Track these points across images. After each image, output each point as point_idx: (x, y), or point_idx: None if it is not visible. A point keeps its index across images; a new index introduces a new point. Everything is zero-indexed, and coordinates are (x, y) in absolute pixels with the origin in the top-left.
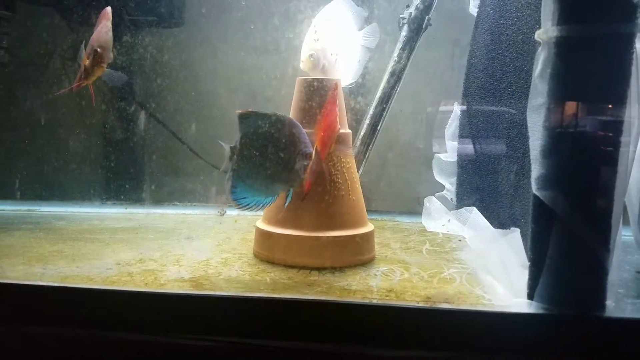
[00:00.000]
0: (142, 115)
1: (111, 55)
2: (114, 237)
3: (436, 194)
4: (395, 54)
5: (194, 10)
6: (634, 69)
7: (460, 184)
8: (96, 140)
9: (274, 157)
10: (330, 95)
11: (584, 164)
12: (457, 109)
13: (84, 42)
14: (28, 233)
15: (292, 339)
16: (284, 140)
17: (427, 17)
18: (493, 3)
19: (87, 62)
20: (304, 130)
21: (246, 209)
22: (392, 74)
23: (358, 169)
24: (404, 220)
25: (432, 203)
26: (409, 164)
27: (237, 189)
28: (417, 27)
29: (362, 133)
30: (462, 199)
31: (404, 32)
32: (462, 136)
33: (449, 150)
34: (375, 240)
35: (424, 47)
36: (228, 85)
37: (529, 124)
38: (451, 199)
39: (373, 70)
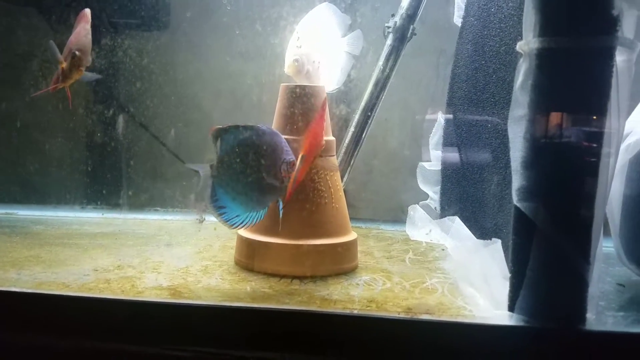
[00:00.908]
0: (121, 119)
1: (90, 58)
2: (93, 243)
3: (420, 203)
4: (380, 63)
5: (179, 13)
6: (614, 81)
7: (444, 193)
8: (76, 144)
9: (260, 170)
10: (321, 106)
11: (564, 176)
12: (441, 118)
13: (50, 42)
14: (4, 237)
15: (271, 350)
16: (268, 152)
17: (411, 26)
18: (477, 14)
19: (64, 65)
20: (284, 139)
21: (241, 227)
22: (376, 83)
23: (342, 177)
24: (388, 229)
25: (416, 212)
26: (394, 172)
27: (227, 209)
28: (402, 36)
29: (346, 141)
30: (446, 208)
31: (389, 41)
32: (446, 145)
33: (433, 159)
34: (359, 248)
35: (410, 56)
36: (211, 89)
37: (510, 135)
38: (435, 207)
39: (358, 79)
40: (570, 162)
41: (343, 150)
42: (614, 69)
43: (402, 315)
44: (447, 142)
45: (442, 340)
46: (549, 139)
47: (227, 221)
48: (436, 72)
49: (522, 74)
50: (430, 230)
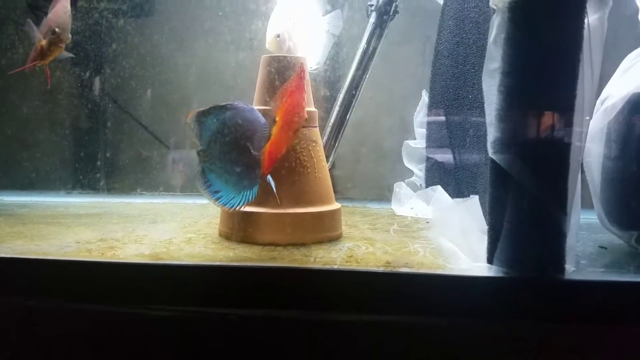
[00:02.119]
0: (97, 82)
1: (69, 35)
2: (77, 222)
3: (406, 180)
4: (364, 41)
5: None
6: (586, 35)
7: (428, 170)
8: (61, 129)
9: (246, 147)
10: (295, 77)
11: (538, 127)
12: (425, 96)
13: (28, 20)
14: None
15: (252, 307)
16: (251, 127)
17: (394, 4)
18: None
19: (44, 42)
20: (257, 111)
21: (239, 207)
22: (360, 62)
23: (328, 158)
24: (374, 207)
25: (401, 188)
26: (382, 159)
27: (222, 192)
28: (385, 14)
29: (331, 121)
30: (431, 185)
31: (372, 19)
32: (429, 123)
33: (418, 137)
34: (344, 223)
35: (396, 44)
36: (196, 74)
37: (484, 89)
38: (420, 184)
39: (341, 58)
40: (543, 113)
41: (328, 130)
42: (586, 22)
43: (381, 269)
44: (431, 118)
45: (421, 292)
46: (523, 91)
47: (225, 204)
48: (422, 58)
49: (495, 28)
50: (411, 208)
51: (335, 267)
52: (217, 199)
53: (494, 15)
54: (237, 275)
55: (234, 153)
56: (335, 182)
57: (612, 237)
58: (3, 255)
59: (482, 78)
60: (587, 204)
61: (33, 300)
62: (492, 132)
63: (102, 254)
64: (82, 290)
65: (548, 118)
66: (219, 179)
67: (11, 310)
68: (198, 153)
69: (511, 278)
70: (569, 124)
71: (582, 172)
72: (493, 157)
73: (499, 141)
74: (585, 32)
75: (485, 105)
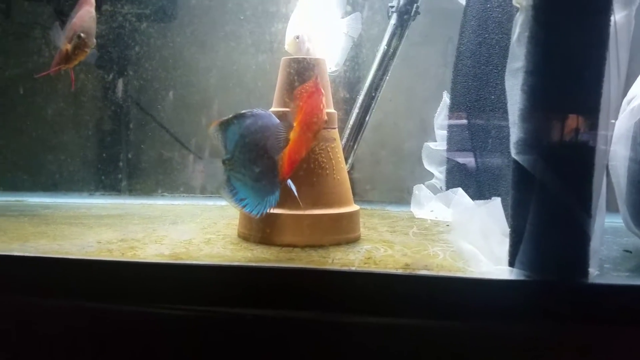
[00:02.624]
0: (120, 85)
1: (94, 40)
2: (99, 222)
3: (426, 183)
4: (384, 43)
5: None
6: (612, 33)
7: (449, 172)
8: (85, 131)
9: (268, 154)
10: (311, 81)
11: (562, 127)
12: (446, 97)
13: (55, 24)
14: (12, 219)
15: (268, 307)
16: (271, 134)
17: (415, 5)
18: None
19: (68, 47)
20: (275, 116)
21: (264, 212)
22: (380, 63)
23: (346, 160)
24: (394, 209)
25: (421, 191)
26: (402, 161)
27: (248, 199)
28: (406, 14)
29: (350, 123)
30: (452, 187)
31: (392, 21)
32: (450, 125)
33: (438, 138)
34: (363, 225)
35: (418, 45)
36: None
37: (507, 88)
38: (440, 187)
39: (361, 60)
40: (568, 113)
41: (347, 132)
42: (612, 20)
43: (400, 271)
44: (453, 120)
45: (440, 295)
46: (547, 90)
47: (252, 211)
48: (444, 60)
49: (519, 27)
50: (431, 211)
51: (353, 268)
52: (243, 207)
53: (517, 14)
54: (254, 276)
55: (256, 159)
56: (355, 184)
57: (637, 241)
58: (27, 254)
59: (505, 77)
60: (612, 208)
61: (54, 300)
62: (515, 133)
63: (123, 253)
64: (103, 289)
65: (572, 118)
66: (244, 187)
67: (36, 309)
68: (223, 162)
69: (533, 281)
70: (593, 124)
71: (608, 174)
72: (516, 157)
73: (522, 142)
74: (612, 30)
75: (508, 105)
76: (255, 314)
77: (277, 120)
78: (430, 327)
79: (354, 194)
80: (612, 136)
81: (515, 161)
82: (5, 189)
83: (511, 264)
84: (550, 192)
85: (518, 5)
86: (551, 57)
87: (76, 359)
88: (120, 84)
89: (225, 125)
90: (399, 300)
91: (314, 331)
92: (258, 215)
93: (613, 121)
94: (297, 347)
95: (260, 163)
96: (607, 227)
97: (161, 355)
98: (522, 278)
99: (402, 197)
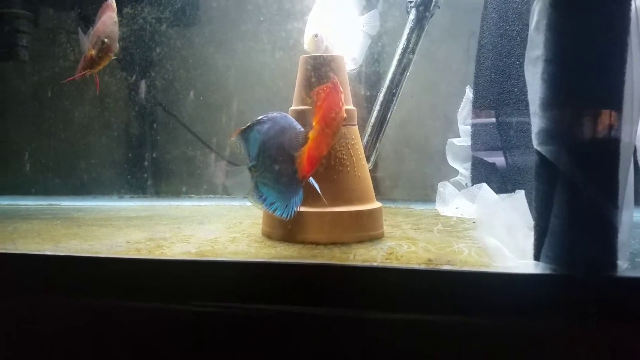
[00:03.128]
0: (143, 87)
1: (117, 45)
2: (128, 223)
3: (450, 180)
4: (404, 39)
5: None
6: (633, 19)
7: (474, 168)
8: (114, 135)
9: (290, 155)
10: (331, 78)
11: (585, 116)
12: (469, 92)
13: (79, 30)
14: (46, 221)
15: (291, 303)
16: (290, 135)
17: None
18: None
19: (93, 52)
20: (291, 117)
21: (293, 213)
22: (400, 59)
23: (369, 158)
24: (418, 207)
25: (445, 188)
26: (426, 158)
27: (276, 203)
28: (425, 9)
29: (372, 120)
30: (477, 183)
31: (411, 16)
32: (474, 119)
33: (462, 134)
34: (386, 222)
35: (440, 40)
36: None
37: (527, 78)
38: (466, 184)
39: (382, 57)
40: (590, 101)
41: (369, 130)
42: (633, 5)
43: (423, 266)
44: (476, 114)
45: (464, 290)
46: (568, 78)
47: (282, 214)
48: (466, 55)
49: (537, 15)
50: (457, 208)
51: (375, 264)
52: (273, 211)
53: (535, 2)
54: (277, 272)
55: (279, 162)
56: (379, 183)
57: None
58: (60, 253)
59: (525, 66)
60: None
61: (88, 298)
62: (536, 123)
63: (150, 252)
64: (132, 287)
65: (595, 107)
66: (272, 190)
67: (72, 307)
68: (249, 169)
69: (559, 275)
70: (617, 112)
71: (637, 167)
72: (538, 148)
73: (544, 132)
74: (633, 15)
75: (529, 94)
76: (278, 310)
77: (294, 121)
78: (454, 323)
79: (377, 192)
80: (637, 124)
81: (537, 152)
82: (38, 193)
83: (536, 257)
84: (574, 183)
85: None
86: (570, 45)
87: (105, 355)
88: (143, 85)
89: (245, 133)
90: (422, 296)
91: (336, 327)
92: (288, 217)
93: (638, 108)
94: (319, 343)
95: (283, 165)
96: None
97: (186, 351)
98: (548, 272)
99: (427, 194)
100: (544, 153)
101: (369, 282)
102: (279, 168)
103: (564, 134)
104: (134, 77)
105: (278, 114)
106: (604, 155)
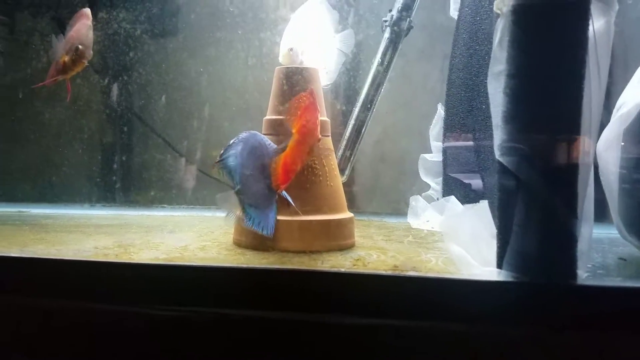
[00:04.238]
0: (115, 91)
1: (91, 52)
2: (98, 231)
3: (423, 194)
4: (378, 56)
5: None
6: (591, 37)
7: (445, 182)
8: (87, 145)
9: (266, 171)
10: (307, 95)
11: (545, 128)
12: (440, 109)
13: (53, 37)
14: (14, 227)
15: (257, 308)
16: (262, 152)
17: (408, 19)
18: (470, 2)
19: (66, 58)
20: (259, 133)
21: (274, 225)
22: (375, 76)
23: (343, 171)
24: (392, 220)
25: (417, 202)
26: (402, 175)
27: (262, 221)
28: (399, 29)
29: (346, 136)
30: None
31: (386, 34)
32: (446, 135)
33: (434, 150)
34: (358, 234)
35: (415, 61)
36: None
37: (490, 92)
38: (437, 198)
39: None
40: (550, 114)
41: (344, 143)
42: (590, 22)
43: (389, 272)
44: (447, 132)
45: (427, 296)
46: (528, 92)
47: (269, 231)
48: (441, 75)
49: (500, 32)
50: (427, 221)
51: (343, 270)
52: (262, 229)
53: (499, 19)
54: (242, 277)
55: (257, 179)
56: (354, 197)
57: (634, 250)
58: (25, 255)
59: (488, 81)
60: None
61: (50, 299)
62: (498, 135)
63: (117, 257)
64: (96, 290)
65: (554, 119)
66: (257, 210)
67: (28, 309)
68: (236, 194)
69: (521, 283)
70: (576, 124)
71: (599, 181)
72: (500, 159)
73: (505, 143)
74: (591, 34)
75: (491, 108)
76: (244, 314)
77: (263, 137)
78: (418, 328)
79: (353, 206)
80: (596, 136)
81: (499, 163)
82: (7, 199)
83: (499, 265)
84: (535, 193)
85: (499, 12)
86: (532, 60)
87: (63, 356)
88: (115, 89)
89: (223, 162)
90: (386, 301)
91: (302, 332)
92: (270, 233)
93: (596, 123)
94: (283, 348)
95: (260, 183)
96: (604, 237)
97: (148, 354)
98: (509, 279)
99: (400, 208)
100: (505, 164)
101: (336, 287)
102: (258, 186)
103: (524, 146)
104: (106, 82)
105: (246, 134)
106: (563, 167)
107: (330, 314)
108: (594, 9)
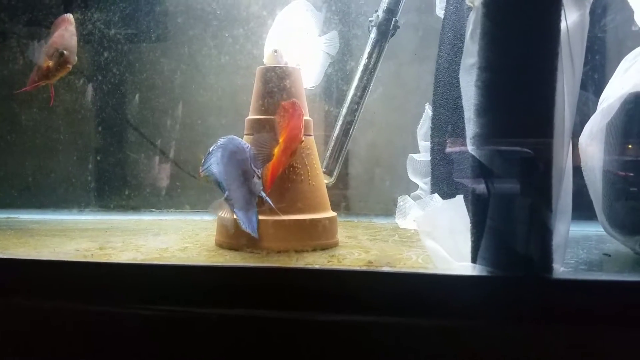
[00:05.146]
0: (90, 92)
1: (75, 57)
2: (82, 235)
3: (411, 194)
4: (365, 57)
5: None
6: (564, 31)
7: (434, 182)
8: (75, 149)
9: (250, 176)
10: (292, 102)
11: (517, 121)
12: (428, 109)
13: (35, 42)
14: None
15: (233, 306)
16: (244, 157)
17: (394, 19)
18: (455, 1)
19: (49, 63)
20: (236, 137)
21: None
22: (361, 77)
23: (332, 172)
24: (380, 221)
25: (405, 201)
26: (395, 179)
27: (251, 222)
28: (385, 29)
29: (334, 136)
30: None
31: (372, 35)
32: (433, 135)
33: (422, 150)
34: (344, 234)
35: (407, 63)
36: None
37: (462, 85)
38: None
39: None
40: (522, 106)
41: (332, 145)
42: (563, 14)
43: (362, 268)
44: (435, 129)
45: (401, 291)
46: (500, 84)
47: (254, 232)
48: (433, 78)
49: (472, 24)
50: (415, 218)
51: (316, 266)
52: (253, 231)
53: (471, 13)
54: (215, 276)
55: (240, 183)
56: (347, 199)
57: (619, 246)
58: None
59: (460, 74)
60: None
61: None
62: (471, 128)
63: (92, 255)
64: (73, 289)
65: (527, 111)
66: (246, 212)
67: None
68: (226, 201)
69: (495, 277)
70: (549, 116)
71: (582, 177)
72: (473, 152)
73: (478, 136)
74: (564, 26)
75: (463, 101)
76: (221, 313)
77: (241, 141)
78: (392, 324)
79: (346, 208)
80: (570, 130)
81: (472, 156)
82: None
83: (474, 260)
84: (508, 186)
85: (471, 4)
86: (503, 53)
87: (33, 356)
88: (90, 90)
89: (207, 170)
90: (360, 297)
91: (274, 329)
92: (255, 232)
93: (571, 115)
94: (259, 345)
95: (243, 186)
96: (592, 234)
97: (124, 354)
98: (484, 274)
99: (390, 209)
100: (478, 157)
101: (310, 284)
102: (241, 190)
103: (496, 138)
104: (96, 90)
105: (224, 139)
106: (536, 159)
107: (304, 311)
108: (567, 1)
